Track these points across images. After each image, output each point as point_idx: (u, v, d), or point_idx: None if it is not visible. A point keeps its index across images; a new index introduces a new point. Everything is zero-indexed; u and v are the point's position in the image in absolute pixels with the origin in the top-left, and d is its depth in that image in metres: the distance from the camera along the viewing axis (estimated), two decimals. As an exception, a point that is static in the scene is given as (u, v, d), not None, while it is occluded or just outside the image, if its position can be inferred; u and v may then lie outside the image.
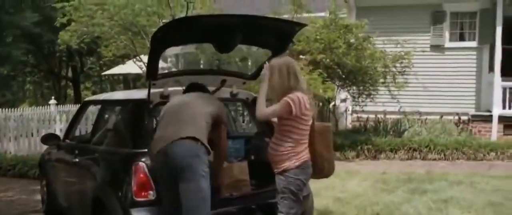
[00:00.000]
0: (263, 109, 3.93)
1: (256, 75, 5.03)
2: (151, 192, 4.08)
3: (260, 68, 5.08)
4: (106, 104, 5.61)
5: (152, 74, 4.23)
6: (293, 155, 3.94)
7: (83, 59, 27.65)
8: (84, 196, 4.88)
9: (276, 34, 4.44)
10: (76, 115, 6.27)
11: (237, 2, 18.05)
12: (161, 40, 3.97)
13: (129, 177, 4.12)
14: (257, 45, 5.12)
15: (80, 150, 5.33)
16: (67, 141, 5.99)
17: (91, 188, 4.69)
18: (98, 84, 34.59)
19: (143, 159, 4.13)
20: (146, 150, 4.13)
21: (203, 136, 3.89)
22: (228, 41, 4.24)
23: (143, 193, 4.08)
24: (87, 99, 6.69)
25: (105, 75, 21.12)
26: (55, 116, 12.59)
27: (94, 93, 32.49)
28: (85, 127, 11.08)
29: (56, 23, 12.71)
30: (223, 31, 4.14)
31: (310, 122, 4.01)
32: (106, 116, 5.64)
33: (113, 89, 31.10)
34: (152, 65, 4.18)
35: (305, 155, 4.00)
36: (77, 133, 9.83)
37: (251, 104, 5.15)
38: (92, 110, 9.29)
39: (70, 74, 31.79)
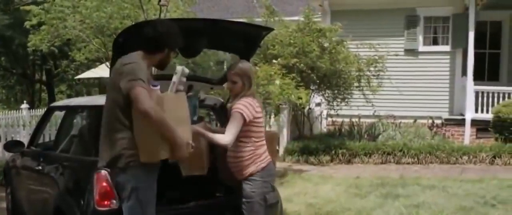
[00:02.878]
0: (225, 138, 3.85)
1: (224, 80, 4.95)
2: (114, 201, 3.95)
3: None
4: (70, 110, 5.47)
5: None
6: (256, 157, 3.96)
7: (57, 62, 27.21)
8: (46, 205, 4.74)
9: (243, 39, 4.37)
10: (41, 121, 6.11)
11: (212, 6, 18.01)
12: (123, 45, 3.85)
13: (91, 186, 3.99)
14: (224, 49, 5.04)
15: (43, 157, 5.19)
16: (32, 148, 5.83)
17: (53, 197, 4.56)
18: (73, 88, 34.11)
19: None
20: (109, 157, 4.01)
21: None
22: (192, 45, 4.15)
23: (105, 202, 3.95)
24: (52, 104, 6.53)
25: (78, 79, 20.83)
26: (26, 121, 12.34)
27: (69, 96, 32.04)
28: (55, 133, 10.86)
29: (26, 24, 12.46)
30: (187, 35, 4.04)
31: (263, 123, 4.09)
32: (70, 122, 5.51)
33: (88, 93, 30.74)
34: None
35: (267, 156, 4.05)
36: (47, 139, 9.71)
37: (219, 110, 5.07)
38: (61, 116, 9.10)
39: (44, 77, 31.32)
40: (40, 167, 5.06)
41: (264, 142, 4.06)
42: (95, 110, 4.64)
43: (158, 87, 3.50)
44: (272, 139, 4.35)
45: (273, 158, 4.21)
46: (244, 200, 3.98)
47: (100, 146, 3.56)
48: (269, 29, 4.38)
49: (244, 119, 3.87)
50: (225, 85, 4.17)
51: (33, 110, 16.88)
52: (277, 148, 10.69)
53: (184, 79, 3.67)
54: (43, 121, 6.08)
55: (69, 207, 4.17)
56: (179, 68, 3.68)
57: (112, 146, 3.45)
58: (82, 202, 4.06)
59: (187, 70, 3.71)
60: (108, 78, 3.86)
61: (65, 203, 4.27)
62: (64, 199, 4.34)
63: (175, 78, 3.63)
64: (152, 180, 3.57)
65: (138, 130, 3.36)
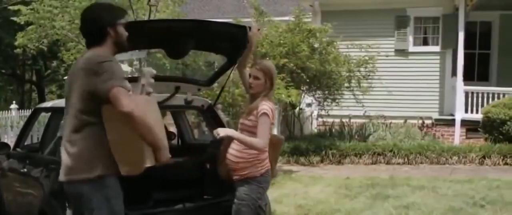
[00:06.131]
0: (260, 142, 3.75)
1: (211, 82, 4.92)
2: (99, 204, 3.90)
3: (216, 74, 4.99)
4: (55, 112, 5.39)
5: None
6: (257, 162, 3.84)
7: (47, 62, 27.06)
8: (31, 208, 4.69)
9: (229, 39, 4.33)
10: (27, 123, 6.04)
11: (203, 5, 17.97)
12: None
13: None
14: (211, 50, 5.00)
15: (28, 159, 5.12)
16: (18, 149, 5.76)
17: (37, 200, 4.51)
18: (63, 88, 33.89)
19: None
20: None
21: None
22: (179, 46, 4.10)
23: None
24: (38, 106, 6.46)
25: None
26: (14, 122, 12.26)
27: (59, 97, 31.84)
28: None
29: (16, 20, 12.36)
30: (173, 36, 4.00)
31: (272, 130, 3.95)
32: (56, 124, 5.42)
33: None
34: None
35: (267, 163, 3.92)
36: (35, 141, 9.64)
37: (206, 111, 5.02)
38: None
39: (34, 77, 31.13)
40: (25, 170, 5.00)
41: (267, 149, 3.91)
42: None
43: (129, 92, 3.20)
44: (277, 145, 4.15)
45: (273, 164, 4.07)
46: (235, 200, 3.89)
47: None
48: (255, 30, 4.33)
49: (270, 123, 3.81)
50: (250, 79, 3.91)
51: (23, 110, 16.71)
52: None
53: (152, 80, 3.50)
54: (29, 122, 6.01)
55: (54, 210, 4.12)
56: (146, 69, 3.55)
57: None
58: (66, 205, 4.00)
59: (154, 72, 3.57)
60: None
61: (50, 206, 4.21)
62: (49, 202, 4.28)
63: (143, 80, 3.46)
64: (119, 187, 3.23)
65: (117, 140, 3.04)
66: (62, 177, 3.17)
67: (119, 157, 3.06)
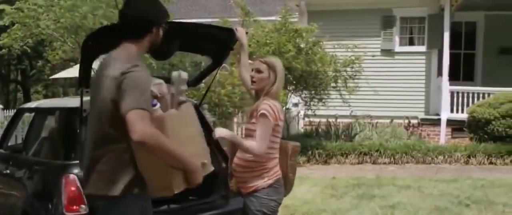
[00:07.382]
0: (257, 146, 3.35)
1: (197, 82, 4.90)
2: (83, 206, 3.87)
3: (202, 75, 4.97)
4: (39, 112, 5.35)
5: (84, 81, 4.01)
6: (264, 172, 3.45)
7: (32, 62, 26.85)
8: (14, 210, 4.65)
9: (215, 41, 4.32)
10: (11, 123, 5.98)
11: (190, 5, 17.93)
12: (92, 48, 3.77)
13: (59, 190, 3.91)
14: (196, 52, 4.98)
15: (12, 160, 5.07)
16: (1, 150, 5.70)
17: (20, 201, 4.47)
18: (49, 88, 33.67)
19: (75, 171, 3.92)
20: (78, 161, 3.93)
21: None
22: (163, 48, 4.06)
23: (74, 207, 3.86)
24: (21, 106, 6.41)
25: (54, 78, 20.58)
26: (-1, 122, 12.19)
27: (45, 97, 31.59)
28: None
29: (1, 22, 12.21)
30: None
31: (281, 134, 3.56)
32: (39, 125, 5.39)
33: (65, 93, 30.38)
34: (84, 72, 3.98)
35: (277, 171, 3.52)
36: (19, 141, 9.53)
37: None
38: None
39: (19, 77, 30.89)
40: (8, 171, 4.95)
41: (277, 154, 3.54)
42: (65, 113, 4.55)
43: (158, 106, 2.81)
44: (291, 152, 3.68)
45: (289, 174, 3.65)
46: None
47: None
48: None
49: (271, 124, 3.40)
50: (252, 73, 3.51)
51: (8, 110, 16.57)
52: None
53: (185, 87, 3.07)
54: (13, 122, 5.96)
55: (36, 212, 4.08)
56: (175, 74, 3.09)
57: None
58: (49, 207, 3.97)
59: (185, 75, 3.13)
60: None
61: (33, 208, 4.18)
62: (32, 203, 4.24)
63: (172, 89, 3.00)
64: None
65: (142, 163, 2.70)
66: (84, 189, 2.96)
67: (147, 179, 2.74)
